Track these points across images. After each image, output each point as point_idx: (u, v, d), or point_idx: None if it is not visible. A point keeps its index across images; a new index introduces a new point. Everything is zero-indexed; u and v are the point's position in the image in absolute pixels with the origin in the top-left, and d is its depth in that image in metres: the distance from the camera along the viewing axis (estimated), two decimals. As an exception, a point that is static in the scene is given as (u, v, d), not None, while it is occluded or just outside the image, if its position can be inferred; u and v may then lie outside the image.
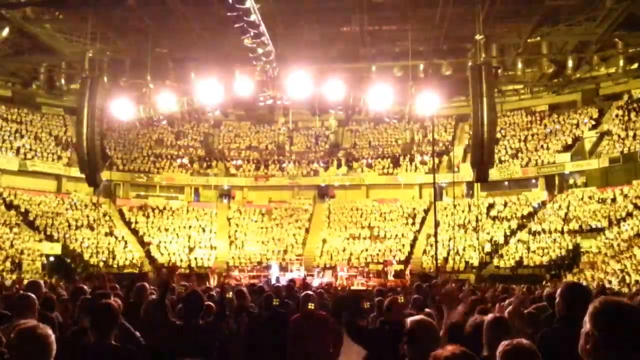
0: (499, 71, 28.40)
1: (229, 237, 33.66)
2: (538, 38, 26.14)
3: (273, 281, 20.41)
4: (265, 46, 18.93)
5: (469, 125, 25.32)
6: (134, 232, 32.56)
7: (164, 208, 35.15)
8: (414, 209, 34.11)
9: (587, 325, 1.99)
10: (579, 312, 2.22)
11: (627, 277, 21.28)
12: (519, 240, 28.81)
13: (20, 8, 23.79)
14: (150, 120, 26.41)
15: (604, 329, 1.94)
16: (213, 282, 24.04)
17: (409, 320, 3.25)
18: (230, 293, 7.76)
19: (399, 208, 34.50)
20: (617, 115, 31.82)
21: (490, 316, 3.86)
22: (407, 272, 27.53)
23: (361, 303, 6.63)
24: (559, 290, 3.89)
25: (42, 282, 6.63)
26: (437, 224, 24.90)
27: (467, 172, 29.40)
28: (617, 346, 1.92)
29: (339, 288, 22.04)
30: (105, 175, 25.47)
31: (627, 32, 25.55)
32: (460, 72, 26.11)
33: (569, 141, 32.86)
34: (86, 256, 28.39)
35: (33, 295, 4.44)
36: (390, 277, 26.51)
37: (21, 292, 5.10)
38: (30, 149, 32.99)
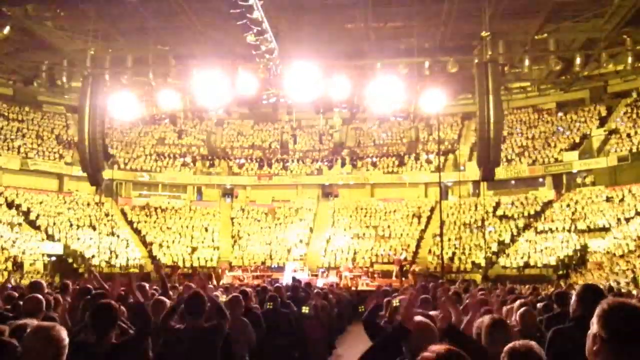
0: (506, 68, 28.08)
1: (232, 236, 33.39)
2: (545, 35, 25.76)
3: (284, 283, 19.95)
4: (269, 43, 18.67)
5: (475, 123, 24.96)
6: (136, 231, 32.35)
7: (167, 207, 34.93)
8: (419, 208, 33.76)
9: (594, 327, 1.95)
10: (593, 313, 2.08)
11: (637, 277, 20.95)
12: (526, 240, 28.45)
13: (22, 5, 23.56)
14: (152, 119, 26.20)
15: (611, 330, 1.89)
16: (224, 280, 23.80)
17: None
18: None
19: (404, 207, 34.17)
20: (625, 113, 31.43)
21: (488, 317, 3.92)
22: (413, 271, 27.20)
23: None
24: (575, 291, 3.93)
25: (44, 282, 6.69)
26: (442, 224, 24.61)
27: (473, 170, 29.05)
28: (624, 348, 1.86)
29: (344, 288, 21.74)
30: (107, 174, 25.24)
31: (636, 28, 25.10)
32: (467, 69, 25.72)
33: (577, 139, 32.48)
34: (88, 256, 28.18)
35: (41, 297, 4.70)
36: (397, 277, 26.18)
37: (30, 294, 5.26)
38: (32, 148, 32.81)
